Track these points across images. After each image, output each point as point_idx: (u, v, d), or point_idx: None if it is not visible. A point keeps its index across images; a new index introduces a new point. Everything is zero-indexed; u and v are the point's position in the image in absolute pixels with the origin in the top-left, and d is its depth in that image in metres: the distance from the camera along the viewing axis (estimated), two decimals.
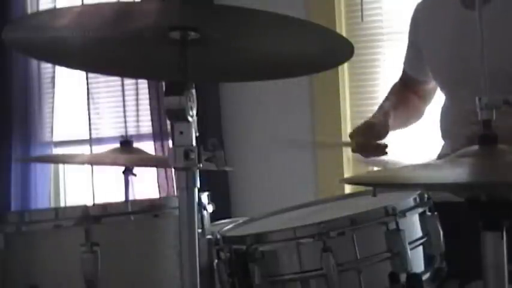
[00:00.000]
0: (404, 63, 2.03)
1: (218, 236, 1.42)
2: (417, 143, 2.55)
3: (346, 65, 2.78)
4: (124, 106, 3.20)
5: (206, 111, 2.82)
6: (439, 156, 1.81)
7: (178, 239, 1.19)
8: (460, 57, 1.72)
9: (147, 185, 3.09)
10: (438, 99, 1.97)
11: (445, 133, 1.86)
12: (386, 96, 2.06)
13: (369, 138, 1.74)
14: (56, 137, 3.37)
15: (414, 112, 2.04)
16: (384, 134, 1.77)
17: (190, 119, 1.18)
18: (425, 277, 1.31)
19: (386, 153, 1.72)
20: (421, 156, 2.49)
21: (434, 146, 1.92)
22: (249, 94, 2.94)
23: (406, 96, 2.02)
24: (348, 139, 1.82)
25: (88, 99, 3.26)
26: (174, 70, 1.22)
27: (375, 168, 2.63)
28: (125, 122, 3.20)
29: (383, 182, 1.17)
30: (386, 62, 2.75)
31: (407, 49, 2.01)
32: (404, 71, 2.04)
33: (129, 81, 3.17)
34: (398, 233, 1.27)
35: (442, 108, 1.88)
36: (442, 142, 1.87)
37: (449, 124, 1.83)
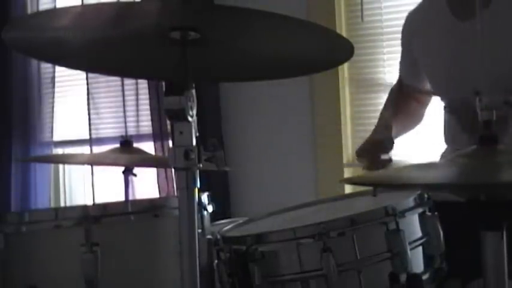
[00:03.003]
0: (400, 71, 2.03)
1: (218, 236, 1.42)
2: (418, 144, 2.55)
3: (346, 65, 2.78)
4: (124, 106, 3.20)
5: (206, 111, 2.82)
6: (441, 158, 1.81)
7: (178, 239, 1.19)
8: (455, 69, 1.72)
9: (147, 185, 3.09)
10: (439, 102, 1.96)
11: (448, 140, 1.86)
12: (386, 105, 2.06)
13: (376, 154, 1.74)
14: (56, 137, 3.38)
15: (414, 117, 2.04)
16: (390, 148, 1.76)
17: (190, 119, 1.18)
18: (425, 277, 1.31)
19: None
20: (422, 157, 2.49)
21: (435, 146, 1.92)
22: (249, 94, 2.93)
23: (404, 102, 2.01)
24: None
25: (88, 99, 3.26)
26: (174, 70, 1.22)
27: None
28: (125, 122, 3.20)
29: (383, 182, 1.17)
30: (387, 62, 2.75)
31: (402, 57, 2.00)
32: (400, 78, 2.04)
33: (129, 81, 3.17)
34: (398, 233, 1.27)
35: (444, 115, 1.88)
36: (444, 145, 1.88)
37: (451, 133, 1.83)
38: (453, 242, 1.36)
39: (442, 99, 1.90)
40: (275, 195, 2.76)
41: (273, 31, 1.24)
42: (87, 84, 3.24)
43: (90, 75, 3.19)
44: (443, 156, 1.83)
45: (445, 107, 1.88)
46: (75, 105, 3.39)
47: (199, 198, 1.54)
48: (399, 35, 2.05)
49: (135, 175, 2.18)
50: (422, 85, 1.95)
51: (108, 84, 3.26)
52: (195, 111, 1.20)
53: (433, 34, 1.82)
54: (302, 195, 2.59)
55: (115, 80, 3.21)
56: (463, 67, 1.62)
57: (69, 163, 3.18)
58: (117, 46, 1.28)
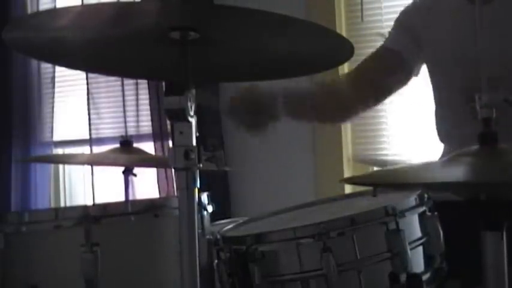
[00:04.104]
0: (389, 40, 1.95)
1: (218, 236, 1.42)
2: (418, 143, 2.55)
3: (346, 65, 2.77)
4: (124, 106, 3.20)
5: (206, 111, 2.82)
6: (441, 158, 1.80)
7: (178, 239, 1.19)
8: (462, 55, 1.71)
9: (147, 185, 3.09)
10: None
11: (444, 136, 1.85)
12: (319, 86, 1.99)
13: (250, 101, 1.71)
14: (56, 137, 3.37)
15: (325, 114, 1.98)
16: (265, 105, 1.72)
17: (190, 119, 1.19)
18: (425, 277, 1.31)
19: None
20: (421, 156, 2.49)
21: (436, 146, 1.92)
22: None
23: (342, 98, 1.95)
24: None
25: (88, 99, 3.26)
26: (174, 70, 1.22)
27: (375, 168, 2.63)
28: (125, 122, 3.20)
29: (383, 182, 1.17)
30: None
31: (398, 33, 1.93)
32: (383, 47, 1.95)
33: (129, 81, 3.17)
34: (398, 233, 1.27)
35: (436, 113, 1.87)
36: (441, 145, 1.87)
37: (448, 127, 1.83)
38: (453, 242, 1.36)
39: (439, 88, 1.88)
40: (275, 195, 2.76)
41: (273, 31, 1.24)
42: (87, 84, 3.24)
43: (90, 75, 3.19)
44: (442, 156, 1.83)
45: (437, 111, 1.87)
46: (75, 105, 3.39)
47: (199, 198, 1.55)
48: None
49: (135, 175, 2.18)
50: (409, 55, 1.87)
51: (108, 84, 3.26)
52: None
53: (444, 18, 1.81)
54: (302, 195, 2.59)
55: (115, 80, 3.21)
56: (471, 51, 1.62)
57: (69, 163, 3.18)
58: (116, 46, 1.28)
